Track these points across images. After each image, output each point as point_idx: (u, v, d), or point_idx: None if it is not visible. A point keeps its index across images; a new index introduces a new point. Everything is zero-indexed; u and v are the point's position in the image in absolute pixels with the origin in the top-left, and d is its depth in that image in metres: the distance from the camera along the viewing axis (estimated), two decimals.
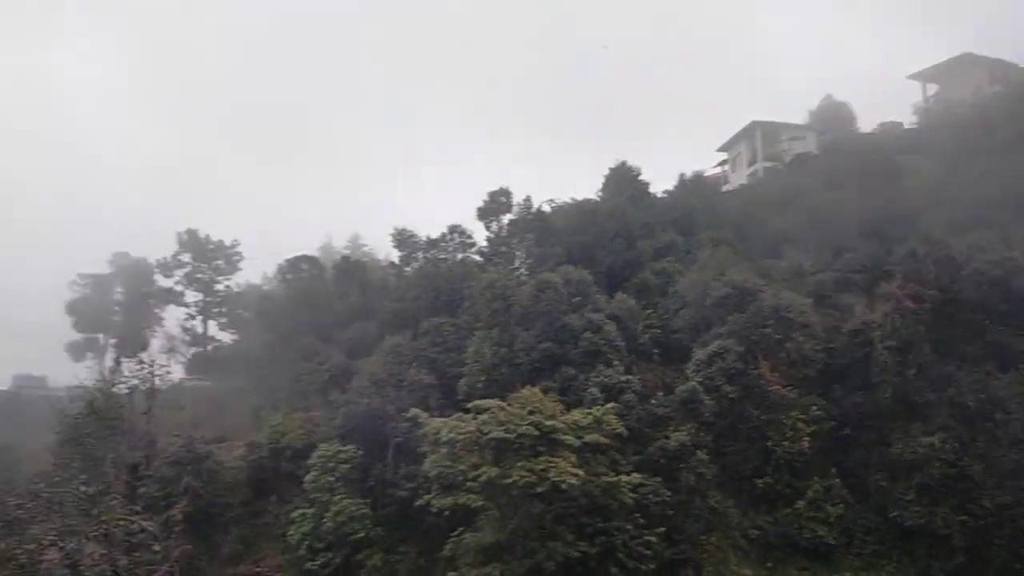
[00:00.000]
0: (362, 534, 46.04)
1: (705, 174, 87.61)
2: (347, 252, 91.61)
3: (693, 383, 50.07)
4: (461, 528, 43.20)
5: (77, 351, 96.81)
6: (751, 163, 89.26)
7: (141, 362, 18.12)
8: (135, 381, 17.18)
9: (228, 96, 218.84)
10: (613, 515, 43.05)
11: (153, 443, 15.61)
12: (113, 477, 16.49)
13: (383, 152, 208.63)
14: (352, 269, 72.29)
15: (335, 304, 68.10)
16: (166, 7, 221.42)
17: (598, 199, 72.26)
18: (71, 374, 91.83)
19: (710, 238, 65.69)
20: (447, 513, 42.74)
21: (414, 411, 46.47)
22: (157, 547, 16.67)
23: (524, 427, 41.94)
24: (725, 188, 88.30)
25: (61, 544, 15.17)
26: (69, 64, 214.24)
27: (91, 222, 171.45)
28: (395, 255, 74.45)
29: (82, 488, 16.09)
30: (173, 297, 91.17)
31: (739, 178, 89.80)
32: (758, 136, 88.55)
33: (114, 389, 16.46)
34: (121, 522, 15.67)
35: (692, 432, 48.01)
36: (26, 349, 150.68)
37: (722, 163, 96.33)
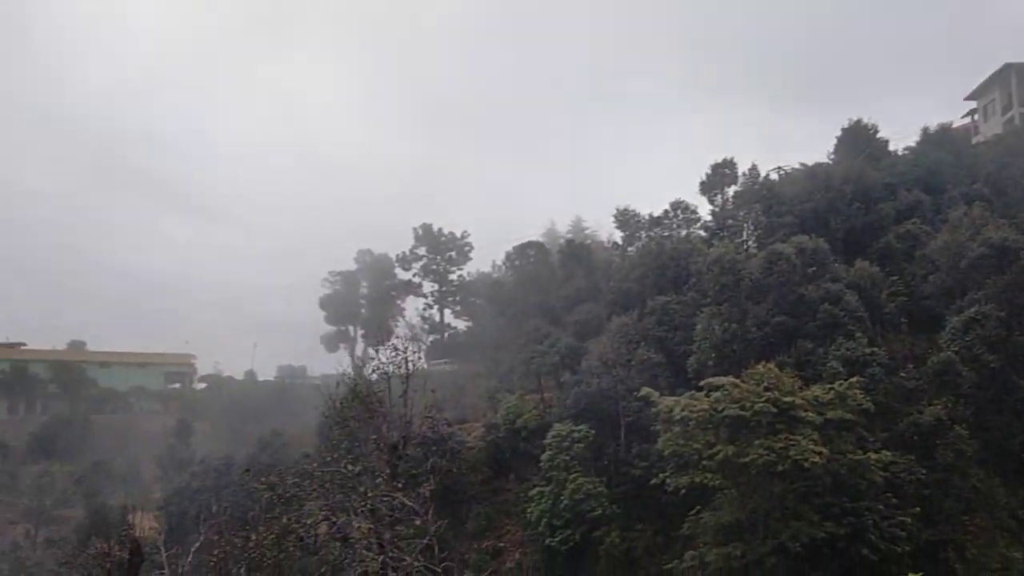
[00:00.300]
0: (599, 512, 46.45)
1: (952, 126, 79.85)
2: (570, 236, 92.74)
3: (948, 353, 45.95)
4: (698, 507, 42.41)
5: (330, 342, 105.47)
6: (1006, 110, 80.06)
7: (395, 348, 19.17)
8: (391, 367, 18.25)
9: (451, 96, 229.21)
10: (862, 495, 40.47)
11: (409, 424, 16.66)
12: (375, 457, 17.52)
13: (601, 134, 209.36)
14: (576, 252, 73.00)
15: (561, 287, 69.13)
16: (389, 18, 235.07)
17: (830, 162, 68.09)
18: (327, 364, 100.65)
19: (962, 195, 59.90)
20: (683, 492, 42.10)
21: (645, 390, 46.11)
22: (418, 521, 17.63)
23: (760, 404, 40.34)
24: (976, 140, 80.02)
25: (333, 519, 16.39)
26: (317, 84, 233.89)
27: (339, 224, 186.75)
28: (618, 235, 74.55)
29: (348, 467, 17.31)
30: (412, 288, 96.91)
31: (992, 128, 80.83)
32: (1014, 80, 79.24)
33: (372, 375, 17.74)
34: (384, 498, 16.69)
35: (948, 406, 44.16)
36: (288, 343, 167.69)
37: (971, 113, 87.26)
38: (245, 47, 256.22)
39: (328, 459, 17.59)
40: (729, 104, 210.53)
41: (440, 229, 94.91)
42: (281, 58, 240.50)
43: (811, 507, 39.92)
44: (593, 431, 48.98)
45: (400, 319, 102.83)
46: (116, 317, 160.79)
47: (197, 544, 17.87)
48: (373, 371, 17.98)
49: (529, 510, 49.10)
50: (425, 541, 17.03)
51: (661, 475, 43.20)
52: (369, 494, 16.48)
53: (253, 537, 16.29)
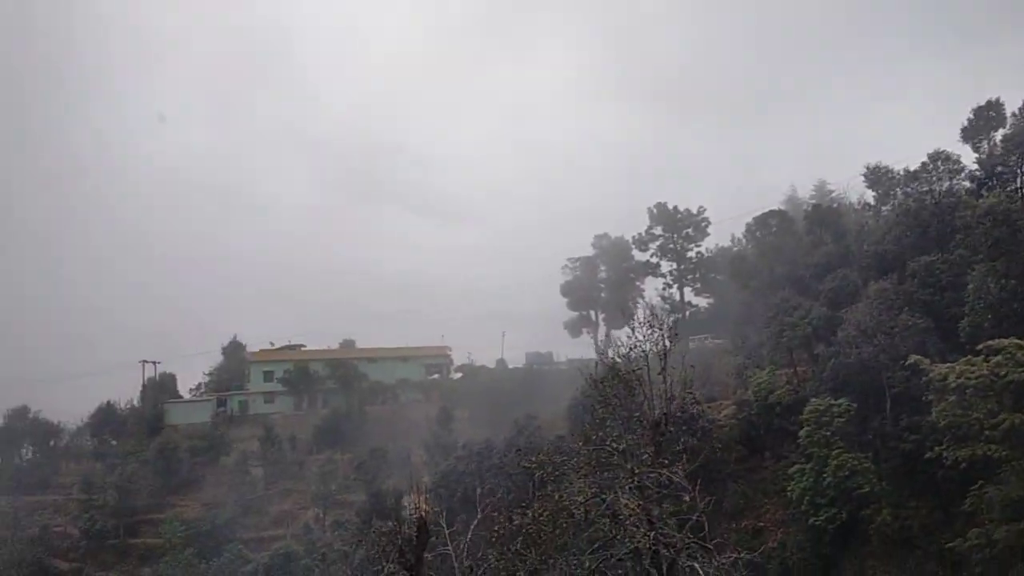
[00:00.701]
0: (866, 489, 43.98)
1: None
2: (814, 201, 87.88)
3: None
4: (980, 481, 38.95)
5: (573, 327, 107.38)
6: None
7: (651, 326, 19.19)
8: (647, 344, 18.31)
9: (677, 71, 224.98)
10: None
11: (671, 401, 16.66)
12: (638, 435, 17.70)
13: (838, 93, 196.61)
14: (824, 216, 68.97)
15: (809, 255, 65.72)
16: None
17: None
18: (571, 349, 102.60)
19: None
20: (963, 465, 38.75)
21: (914, 358, 42.91)
22: (687, 498, 17.61)
23: None
24: None
25: (601, 496, 16.73)
26: (544, 76, 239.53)
27: (575, 213, 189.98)
28: (869, 196, 69.72)
29: (613, 445, 17.63)
30: (650, 269, 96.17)
31: None
32: None
33: (629, 352, 17.88)
34: (651, 475, 16.82)
35: None
36: (533, 331, 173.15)
37: None
38: (471, 49, 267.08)
39: (593, 437, 17.92)
40: (983, 43, 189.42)
41: (675, 207, 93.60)
42: (506, 57, 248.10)
43: None
44: (855, 404, 46.33)
45: (640, 300, 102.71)
46: (378, 317, 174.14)
47: (476, 522, 18.98)
48: (630, 349, 18.02)
49: (789, 488, 47.34)
50: (695, 518, 16.88)
51: (937, 448, 40.03)
52: (636, 471, 16.60)
53: (529, 514, 16.98)
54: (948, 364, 41.00)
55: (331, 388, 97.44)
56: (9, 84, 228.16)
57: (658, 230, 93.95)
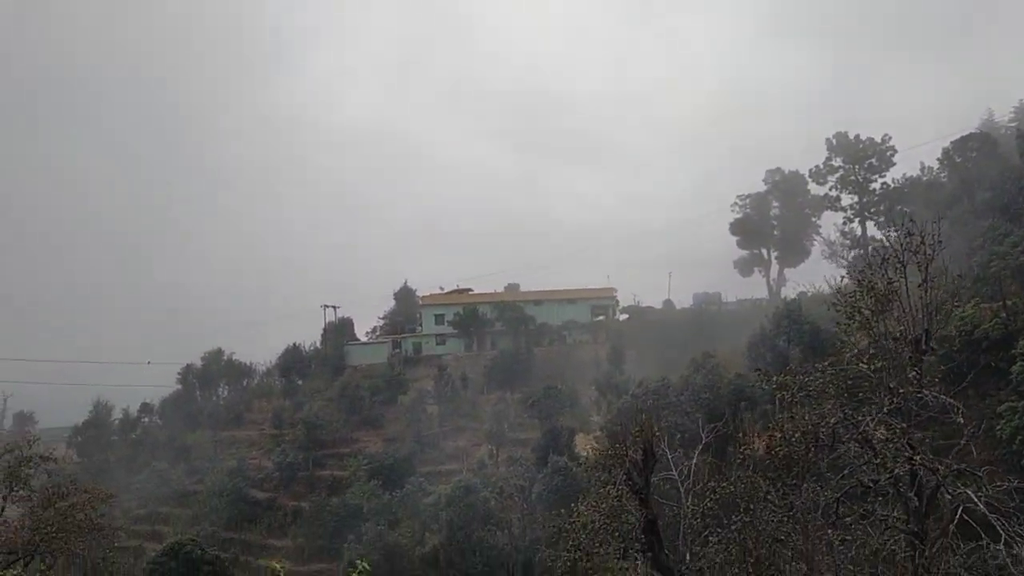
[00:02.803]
0: None
1: None
2: (1014, 124, 79.80)
3: None
4: None
5: (744, 267, 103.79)
6: None
7: (910, 233, 17.43)
8: (905, 253, 16.54)
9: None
10: None
11: (933, 315, 15.09)
12: (897, 352, 16.21)
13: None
14: None
15: (1021, 179, 59.63)
16: None
17: None
18: (741, 289, 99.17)
19: None
20: None
21: None
22: (959, 420, 16.07)
23: None
24: None
25: (851, 419, 15.46)
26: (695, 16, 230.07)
27: (745, 150, 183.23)
28: None
29: (862, 365, 16.21)
30: (829, 203, 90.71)
31: None
32: None
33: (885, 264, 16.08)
34: (917, 396, 15.36)
35: None
36: (704, 273, 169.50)
37: None
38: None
39: (848, 355, 16.58)
40: None
41: (857, 136, 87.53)
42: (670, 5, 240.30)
43: None
44: None
45: (817, 236, 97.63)
46: (544, 263, 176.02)
47: (700, 446, 18.56)
48: (883, 260, 16.40)
49: (999, 428, 43.67)
50: (962, 442, 15.36)
51: None
52: (899, 391, 15.15)
53: (779, 435, 16.07)
54: None
55: (499, 330, 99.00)
56: (212, 46, 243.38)
57: (837, 161, 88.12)
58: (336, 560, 56.95)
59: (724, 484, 15.72)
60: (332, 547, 59.82)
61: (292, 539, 65.95)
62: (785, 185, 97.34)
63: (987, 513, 13.72)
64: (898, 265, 16.06)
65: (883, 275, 15.95)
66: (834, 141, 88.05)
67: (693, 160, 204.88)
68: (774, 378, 17.48)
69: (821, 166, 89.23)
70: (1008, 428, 42.85)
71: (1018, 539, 13.39)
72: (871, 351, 16.22)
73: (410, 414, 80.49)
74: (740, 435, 17.02)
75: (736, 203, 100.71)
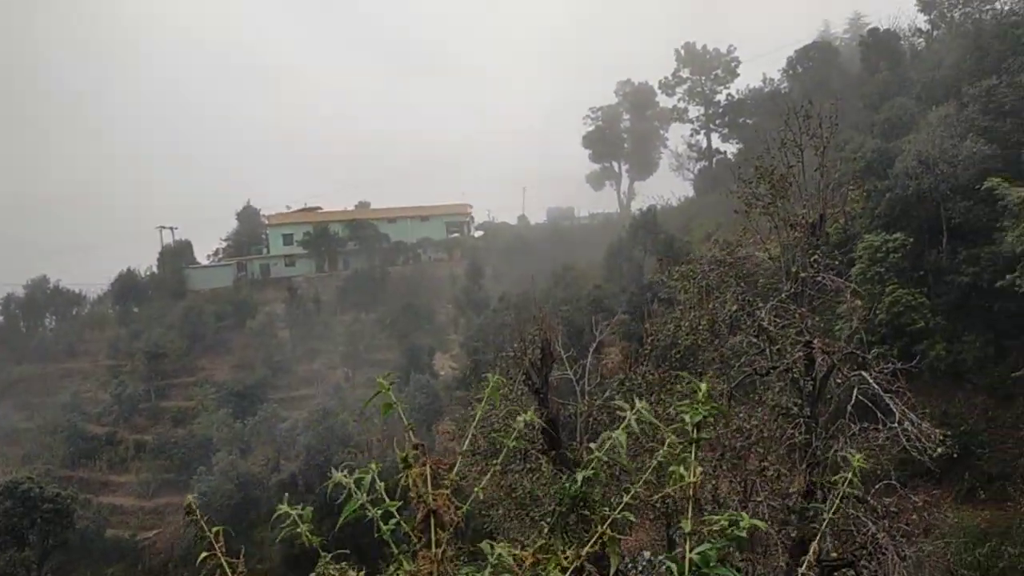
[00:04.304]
0: (920, 324, 42.38)
1: None
2: (847, 35, 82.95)
3: None
4: None
5: (596, 180, 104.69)
6: None
7: (807, 115, 16.71)
8: (805, 136, 16.07)
9: None
10: None
11: (825, 201, 14.71)
12: (791, 237, 15.61)
13: None
14: (883, 41, 63.60)
15: (864, 85, 61.70)
16: None
17: None
18: (592, 204, 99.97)
19: None
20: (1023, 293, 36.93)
21: (992, 181, 40.07)
22: (843, 305, 15.86)
23: None
24: None
25: (748, 306, 14.79)
26: None
27: (600, 67, 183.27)
28: (921, 20, 64.97)
29: (763, 254, 15.53)
30: (677, 114, 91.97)
31: None
32: None
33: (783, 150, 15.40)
34: (815, 280, 14.89)
35: None
36: (558, 189, 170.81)
37: None
38: None
39: (749, 242, 15.84)
40: None
41: (704, 47, 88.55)
42: None
43: None
44: (911, 239, 44.13)
45: (664, 149, 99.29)
46: (394, 178, 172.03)
47: (595, 344, 17.92)
48: (782, 143, 15.63)
49: (837, 328, 45.81)
50: (853, 325, 15.02)
51: (1009, 276, 37.97)
52: (799, 275, 14.54)
53: (684, 324, 15.28)
54: None
55: (352, 250, 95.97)
56: None
57: (685, 73, 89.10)
58: (185, 493, 54.12)
59: (631, 375, 14.89)
60: (180, 480, 56.85)
61: (136, 474, 62.23)
62: (635, 97, 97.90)
63: (881, 393, 13.61)
64: (796, 149, 15.27)
65: (784, 159, 15.17)
66: (682, 52, 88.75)
67: (549, 77, 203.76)
68: (675, 269, 16.65)
69: (670, 77, 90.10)
70: (847, 328, 44.86)
71: (908, 418, 13.38)
72: (771, 237, 15.55)
73: (260, 339, 77.15)
74: (647, 327, 16.22)
75: (588, 116, 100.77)
